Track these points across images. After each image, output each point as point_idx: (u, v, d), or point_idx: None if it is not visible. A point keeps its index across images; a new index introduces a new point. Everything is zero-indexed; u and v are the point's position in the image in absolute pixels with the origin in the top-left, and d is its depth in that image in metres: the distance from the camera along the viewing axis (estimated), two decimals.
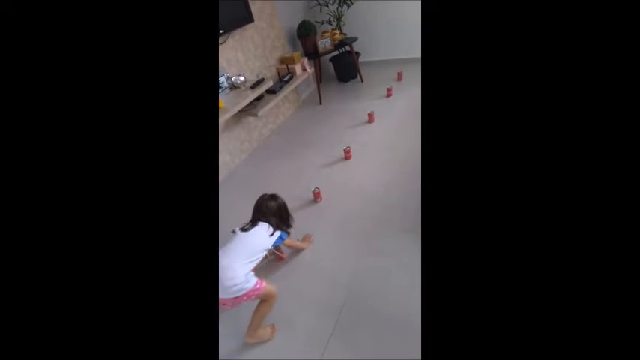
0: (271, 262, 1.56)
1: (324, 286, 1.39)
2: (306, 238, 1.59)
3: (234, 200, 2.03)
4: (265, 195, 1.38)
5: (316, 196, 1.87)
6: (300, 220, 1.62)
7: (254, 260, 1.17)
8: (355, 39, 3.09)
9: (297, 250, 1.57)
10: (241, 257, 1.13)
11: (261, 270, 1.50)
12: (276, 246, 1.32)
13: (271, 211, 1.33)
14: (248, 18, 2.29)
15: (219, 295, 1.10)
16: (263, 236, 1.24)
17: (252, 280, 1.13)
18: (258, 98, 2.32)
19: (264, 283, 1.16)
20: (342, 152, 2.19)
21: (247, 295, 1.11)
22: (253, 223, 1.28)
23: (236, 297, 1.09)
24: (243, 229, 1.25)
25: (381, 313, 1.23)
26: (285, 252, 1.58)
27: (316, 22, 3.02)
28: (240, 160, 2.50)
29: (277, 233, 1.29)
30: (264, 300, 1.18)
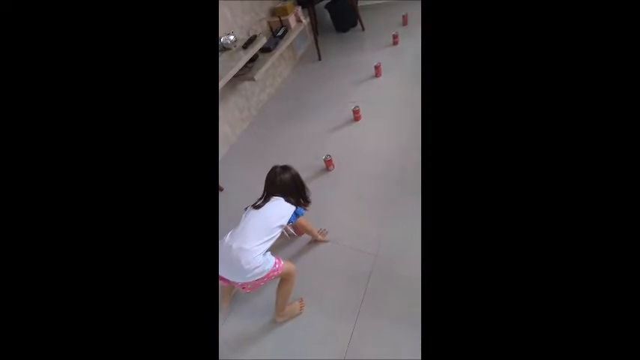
0: (289, 239, 1.51)
1: (349, 257, 1.36)
2: (322, 232, 1.46)
3: (239, 175, 1.93)
4: (277, 167, 1.25)
5: (328, 163, 1.76)
6: (313, 191, 1.54)
7: (271, 239, 1.09)
8: None
9: (309, 234, 1.43)
10: (257, 237, 1.05)
11: (280, 246, 1.46)
12: (290, 223, 1.23)
13: (285, 184, 1.21)
14: None
15: (238, 280, 1.05)
16: (278, 212, 1.14)
17: (271, 261, 1.08)
18: (253, 59, 2.09)
19: (282, 262, 1.11)
20: (351, 113, 2.03)
21: (267, 277, 1.06)
22: (266, 198, 1.18)
23: (256, 280, 1.05)
24: (256, 207, 1.15)
25: (409, 277, 1.21)
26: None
27: None
28: (242, 130, 2.34)
29: (292, 209, 1.19)
30: (284, 279, 1.14)
